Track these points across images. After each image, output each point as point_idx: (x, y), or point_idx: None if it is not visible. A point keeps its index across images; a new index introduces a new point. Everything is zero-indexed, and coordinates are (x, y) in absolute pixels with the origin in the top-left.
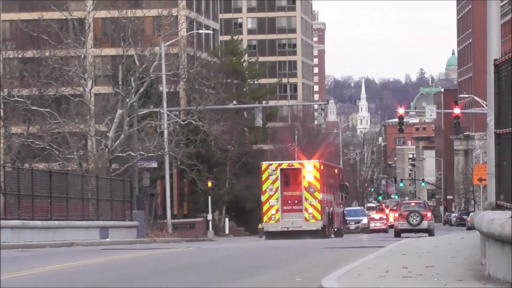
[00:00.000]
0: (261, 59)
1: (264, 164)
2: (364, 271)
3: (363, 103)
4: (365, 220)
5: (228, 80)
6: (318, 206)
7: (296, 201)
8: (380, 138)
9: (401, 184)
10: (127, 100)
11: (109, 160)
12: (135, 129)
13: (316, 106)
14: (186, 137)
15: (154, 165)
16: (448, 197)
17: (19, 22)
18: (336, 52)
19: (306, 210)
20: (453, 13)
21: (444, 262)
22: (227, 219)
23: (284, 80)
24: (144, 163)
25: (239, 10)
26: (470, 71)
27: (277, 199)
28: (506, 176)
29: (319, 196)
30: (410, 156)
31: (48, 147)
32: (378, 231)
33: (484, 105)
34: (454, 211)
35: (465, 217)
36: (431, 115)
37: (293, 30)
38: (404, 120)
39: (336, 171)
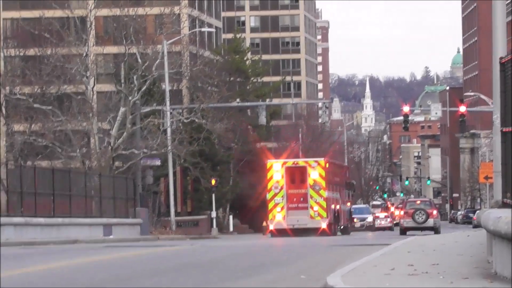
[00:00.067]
0: (264, 57)
1: (269, 162)
2: (369, 269)
3: (367, 101)
4: (370, 218)
5: (231, 78)
6: (324, 204)
7: (301, 199)
8: (385, 136)
9: (407, 182)
10: (130, 98)
11: (112, 158)
12: (138, 127)
13: (320, 104)
14: (189, 135)
15: (158, 163)
16: (454, 195)
17: (20, 20)
18: (340, 50)
19: (312, 208)
20: (458, 11)
21: (450, 260)
22: (231, 217)
23: (288, 78)
24: (147, 160)
25: (241, 8)
26: (476, 69)
27: (282, 197)
28: None
29: (325, 194)
30: (416, 154)
31: (50, 145)
32: (383, 229)
33: (490, 103)
34: (460, 209)
35: (471, 215)
36: (436, 113)
37: (297, 28)
38: (409, 118)
39: (342, 169)
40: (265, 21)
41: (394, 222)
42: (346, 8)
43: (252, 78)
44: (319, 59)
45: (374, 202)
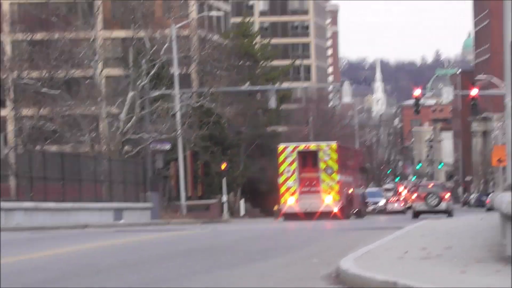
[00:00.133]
0: (273, 41)
1: (281, 146)
2: (382, 252)
3: (378, 85)
4: (382, 202)
5: (241, 62)
6: (336, 188)
7: (313, 183)
8: (396, 120)
9: (419, 166)
10: (138, 82)
11: (122, 142)
12: (147, 111)
13: (331, 88)
14: (199, 119)
15: (167, 147)
16: (467, 178)
17: (27, 5)
18: (350, 34)
19: (324, 191)
20: None
21: (463, 244)
22: (242, 201)
23: (298, 62)
24: (157, 145)
25: None
26: (487, 52)
27: (294, 181)
28: None
29: (337, 177)
30: (427, 137)
31: (59, 129)
32: (395, 212)
33: (502, 86)
34: (472, 192)
35: (484, 198)
36: (448, 97)
37: (306, 12)
38: (421, 101)
39: (355, 153)
40: (274, 4)
41: (407, 206)
42: None
43: (261, 62)
44: (329, 42)
45: (386, 186)
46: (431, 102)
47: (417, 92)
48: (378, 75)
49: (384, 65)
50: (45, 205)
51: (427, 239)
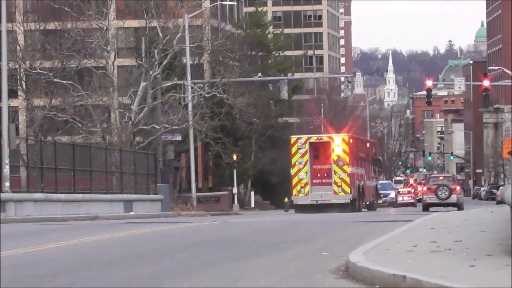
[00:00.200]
0: (286, 31)
1: (293, 138)
2: (391, 245)
3: (390, 76)
4: (392, 194)
5: (253, 52)
6: (348, 180)
7: (325, 175)
8: (408, 111)
9: (429, 158)
10: (151, 72)
11: (133, 133)
12: (159, 101)
13: (342, 79)
14: (211, 110)
15: (179, 138)
16: (477, 170)
17: None
18: (363, 24)
19: (336, 183)
20: None
21: (473, 237)
22: (252, 193)
23: (310, 52)
24: (168, 136)
25: None
26: (500, 43)
27: (306, 172)
28: None
29: (348, 169)
30: (439, 129)
31: (71, 120)
32: (405, 205)
33: None
34: (483, 185)
35: (494, 191)
36: (460, 88)
37: (319, 2)
38: (433, 92)
39: (368, 145)
40: None
41: (417, 198)
42: None
43: (274, 52)
44: (342, 32)
45: (397, 178)
46: (443, 93)
47: (429, 83)
48: (390, 65)
49: (397, 55)
50: (55, 196)
51: (437, 232)
